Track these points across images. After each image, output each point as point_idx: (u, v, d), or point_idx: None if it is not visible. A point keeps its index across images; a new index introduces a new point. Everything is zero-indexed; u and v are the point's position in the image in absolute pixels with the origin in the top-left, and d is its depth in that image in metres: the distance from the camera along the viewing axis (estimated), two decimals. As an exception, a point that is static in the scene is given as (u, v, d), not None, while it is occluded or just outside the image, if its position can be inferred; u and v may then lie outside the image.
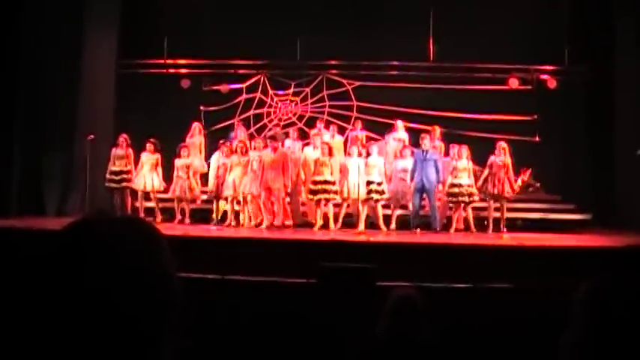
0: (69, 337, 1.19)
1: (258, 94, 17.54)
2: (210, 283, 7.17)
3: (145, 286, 1.24)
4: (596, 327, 2.16)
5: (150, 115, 14.71)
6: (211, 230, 11.99)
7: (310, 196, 12.76)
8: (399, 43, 15.98)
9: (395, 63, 16.61)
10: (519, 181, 14.98)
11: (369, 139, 14.52)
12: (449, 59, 16.03)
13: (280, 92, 17.58)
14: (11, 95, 13.95)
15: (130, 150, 13.79)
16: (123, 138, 13.83)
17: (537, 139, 15.58)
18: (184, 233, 10.71)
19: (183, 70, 17.46)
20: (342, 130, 15.28)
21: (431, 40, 16.31)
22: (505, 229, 12.44)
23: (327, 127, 15.08)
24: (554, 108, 15.70)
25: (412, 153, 12.86)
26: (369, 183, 12.49)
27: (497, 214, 12.78)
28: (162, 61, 17.24)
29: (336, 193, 12.57)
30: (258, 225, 12.61)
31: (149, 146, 13.80)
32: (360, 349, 4.10)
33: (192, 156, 13.85)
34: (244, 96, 17.49)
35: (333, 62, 17.16)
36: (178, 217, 13.53)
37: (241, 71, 17.47)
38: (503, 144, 13.06)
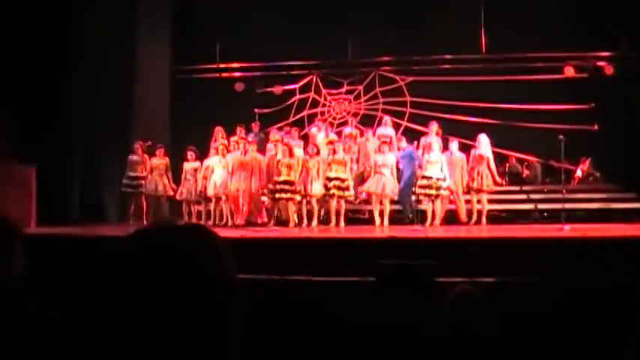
0: (135, 342, 1.22)
1: (312, 94, 17.60)
2: (267, 284, 7.19)
3: (209, 290, 1.26)
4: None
5: (204, 119, 14.82)
6: (267, 231, 12.02)
7: (271, 196, 13.06)
8: (450, 37, 15.83)
9: (447, 56, 16.50)
10: (579, 171, 14.72)
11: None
12: (502, 50, 15.84)
13: (333, 91, 17.59)
14: (69, 104, 14.24)
15: (146, 156, 14.03)
16: (138, 145, 14.09)
17: (596, 127, 15.26)
18: (242, 235, 10.77)
19: (237, 74, 17.62)
20: (397, 126, 15.12)
21: (483, 32, 16.14)
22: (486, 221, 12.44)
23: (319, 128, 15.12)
24: (611, 95, 15.33)
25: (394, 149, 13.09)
26: (329, 179, 12.57)
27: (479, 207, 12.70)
28: (215, 66, 17.41)
29: (294, 192, 12.73)
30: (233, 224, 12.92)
31: (159, 151, 13.98)
32: (421, 347, 4.06)
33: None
34: (297, 96, 17.56)
35: (384, 59, 17.11)
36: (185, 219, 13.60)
37: (294, 72, 17.55)
38: (481, 137, 12.92)
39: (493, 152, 14.86)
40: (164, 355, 1.22)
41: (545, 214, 13.32)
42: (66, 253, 8.88)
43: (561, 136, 12.13)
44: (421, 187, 12.51)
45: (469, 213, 12.78)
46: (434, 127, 13.50)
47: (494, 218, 13.51)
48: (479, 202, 12.74)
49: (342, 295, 6.78)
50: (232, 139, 13.58)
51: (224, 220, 13.31)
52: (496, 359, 3.73)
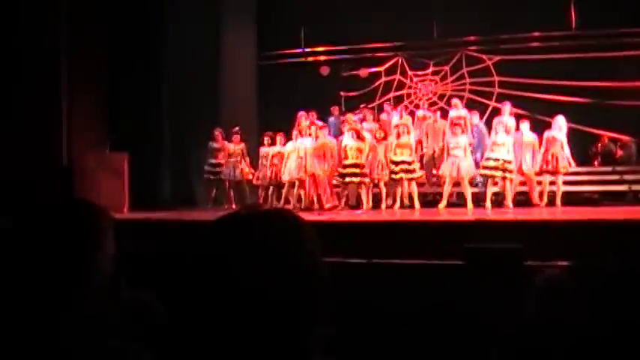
0: (227, 326, 1.26)
1: (397, 76, 17.52)
2: (355, 267, 7.23)
3: (295, 274, 1.29)
4: None
5: (291, 104, 14.92)
6: (356, 215, 12.06)
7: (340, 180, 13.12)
8: (538, 13, 15.49)
9: (536, 34, 16.12)
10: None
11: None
12: (592, 26, 15.36)
13: (419, 72, 17.45)
14: (159, 93, 14.57)
15: (226, 142, 14.18)
16: (218, 132, 14.24)
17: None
18: (330, 219, 10.83)
19: (322, 58, 17.66)
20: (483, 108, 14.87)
21: (572, 7, 15.69)
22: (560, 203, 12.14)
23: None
24: None
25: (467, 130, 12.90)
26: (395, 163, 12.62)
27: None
28: (300, 50, 17.50)
29: (364, 175, 12.73)
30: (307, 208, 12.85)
31: (235, 137, 14.11)
32: (509, 332, 4.02)
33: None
34: (383, 79, 17.51)
35: (471, 38, 16.85)
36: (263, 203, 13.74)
37: (379, 54, 17.48)
38: (558, 118, 12.60)
39: (585, 132, 14.52)
40: (255, 339, 1.25)
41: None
42: (157, 237, 9.13)
43: None
44: (486, 167, 12.30)
45: (541, 195, 12.47)
46: (507, 107, 13.27)
47: (587, 200, 13.18)
48: (552, 183, 12.43)
49: (429, 278, 6.75)
50: (303, 124, 13.61)
51: (295, 204, 13.39)
52: (586, 347, 3.66)
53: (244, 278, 1.25)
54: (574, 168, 13.11)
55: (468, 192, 12.40)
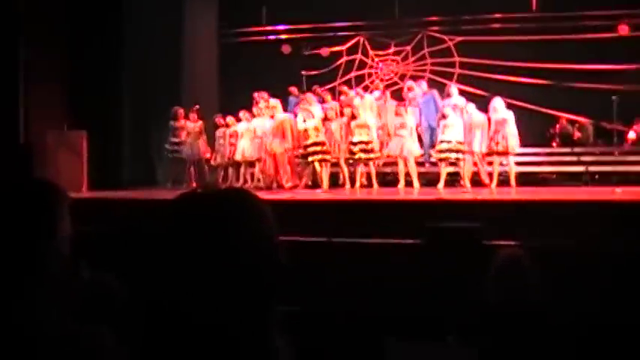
0: (184, 305, 1.25)
1: (359, 56, 17.51)
2: (316, 246, 7.23)
3: (252, 253, 1.28)
4: None
5: (252, 82, 14.82)
6: (316, 193, 12.07)
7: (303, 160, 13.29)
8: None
9: (497, 15, 16.20)
10: (632, 133, 14.43)
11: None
12: (553, 8, 15.49)
13: (380, 52, 17.46)
14: (118, 71, 14.39)
15: (186, 121, 14.15)
16: (179, 110, 14.25)
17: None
18: (291, 198, 10.83)
19: (283, 36, 17.58)
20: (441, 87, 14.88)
21: (534, -11, 15.81)
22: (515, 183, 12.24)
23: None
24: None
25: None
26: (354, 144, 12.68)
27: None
28: (261, 29, 17.39)
29: (325, 153, 12.84)
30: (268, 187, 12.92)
31: (192, 115, 14.08)
32: (469, 309, 4.06)
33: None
34: (345, 58, 17.47)
35: (433, 18, 16.88)
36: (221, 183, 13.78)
37: (341, 33, 17.44)
38: (496, 100, 12.54)
39: (544, 113, 14.68)
40: (215, 318, 1.25)
41: (597, 176, 13.08)
42: (117, 217, 9.04)
43: (614, 97, 11.89)
44: (440, 151, 12.41)
45: (490, 176, 12.57)
46: (454, 88, 13.40)
47: (544, 180, 13.34)
48: (501, 164, 12.55)
49: (389, 257, 6.79)
50: (260, 105, 13.58)
51: (255, 183, 13.44)
52: (546, 323, 3.71)
53: (202, 257, 1.25)
54: (532, 149, 13.27)
55: (414, 171, 12.53)
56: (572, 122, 15.49)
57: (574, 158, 13.92)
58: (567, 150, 14.46)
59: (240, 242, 1.28)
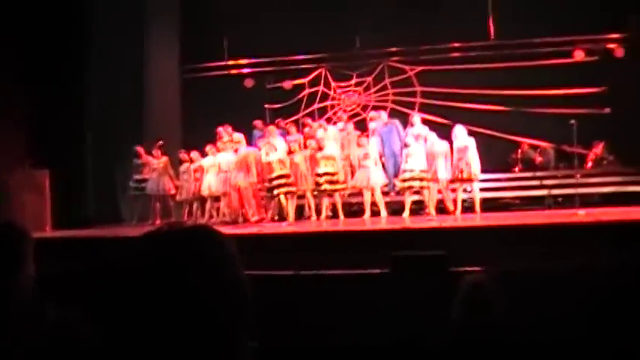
0: (151, 342, 1.25)
1: (321, 88, 17.58)
2: (284, 279, 7.22)
3: (218, 289, 1.29)
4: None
5: (216, 116, 14.81)
6: (282, 226, 12.06)
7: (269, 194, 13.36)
8: (458, 24, 15.77)
9: (456, 44, 16.42)
10: (591, 155, 14.67)
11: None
12: (510, 36, 15.75)
13: (342, 84, 17.57)
14: (81, 108, 14.32)
15: (149, 157, 14.15)
16: (139, 148, 14.29)
17: (608, 110, 15.18)
18: (257, 232, 10.81)
19: (246, 70, 17.63)
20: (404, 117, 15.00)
21: (490, 18, 16.06)
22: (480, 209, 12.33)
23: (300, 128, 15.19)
24: (623, 77, 15.20)
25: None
26: (319, 175, 12.76)
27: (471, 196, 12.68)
28: (224, 63, 17.43)
29: (291, 185, 12.91)
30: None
31: (156, 151, 14.06)
32: (437, 336, 4.07)
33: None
34: (307, 90, 17.56)
35: (393, 49, 17.05)
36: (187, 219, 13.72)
37: (303, 66, 17.53)
38: (458, 127, 12.70)
39: (506, 139, 14.88)
40: (179, 354, 1.24)
41: (560, 199, 13.25)
42: (82, 256, 8.94)
43: (573, 121, 12.08)
44: (404, 180, 12.51)
45: (454, 202, 12.66)
46: (417, 117, 13.54)
47: (508, 205, 13.49)
48: (465, 191, 12.67)
49: (357, 287, 6.79)
50: (223, 140, 13.60)
51: (221, 218, 13.40)
52: (511, 347, 3.73)
53: (168, 295, 1.25)
54: (495, 174, 13.41)
55: (381, 201, 12.61)
56: (533, 147, 15.70)
57: (536, 182, 14.09)
58: (530, 174, 14.64)
59: (205, 280, 1.28)
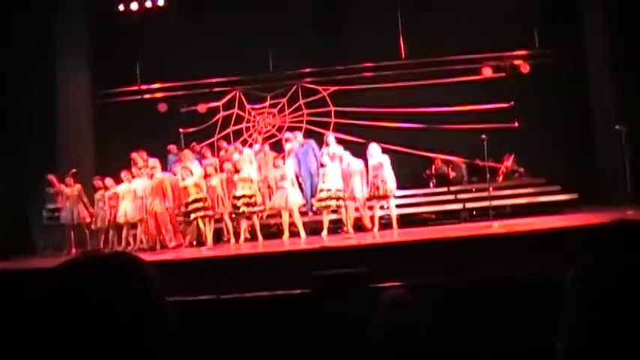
0: None
1: (236, 110, 17.54)
2: (204, 304, 7.12)
3: (139, 315, 1.28)
4: (588, 307, 2.15)
5: (130, 142, 14.58)
6: (201, 251, 11.94)
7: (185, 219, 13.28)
8: (370, 44, 16.04)
9: (368, 64, 16.65)
10: (502, 168, 15.04)
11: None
12: (421, 55, 16.09)
13: (257, 106, 17.57)
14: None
15: (62, 186, 13.88)
16: (51, 177, 14.00)
17: (517, 124, 15.63)
18: (176, 257, 10.66)
19: (159, 94, 17.46)
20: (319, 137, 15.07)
21: (401, 38, 16.37)
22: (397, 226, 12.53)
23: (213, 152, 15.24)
24: (530, 92, 15.71)
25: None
26: (237, 198, 12.80)
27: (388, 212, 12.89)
28: (136, 88, 17.23)
29: (207, 209, 12.86)
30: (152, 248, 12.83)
31: (68, 179, 13.83)
32: (358, 352, 4.08)
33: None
34: (222, 113, 17.49)
35: (306, 70, 17.17)
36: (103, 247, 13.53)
37: (216, 89, 17.46)
38: (372, 146, 12.91)
39: (419, 156, 15.13)
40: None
41: (474, 212, 13.53)
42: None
43: (483, 135, 12.37)
44: (321, 199, 12.60)
45: (372, 219, 12.80)
46: (331, 137, 13.67)
47: (424, 220, 13.69)
48: (382, 207, 12.84)
49: (278, 309, 6.76)
50: (138, 165, 13.46)
51: (139, 245, 13.19)
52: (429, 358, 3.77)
53: (89, 323, 1.23)
54: (411, 190, 13.62)
55: (299, 221, 12.65)
56: (446, 162, 16.01)
57: (451, 197, 14.36)
58: (444, 189, 14.91)
59: (126, 306, 1.27)
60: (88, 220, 13.84)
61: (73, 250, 13.40)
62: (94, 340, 1.22)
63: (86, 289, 1.27)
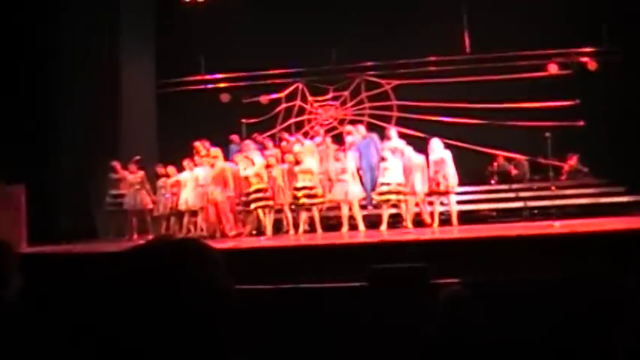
0: (134, 357, 1.24)
1: (298, 102, 17.61)
2: (263, 293, 7.20)
3: (210, 302, 1.30)
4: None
5: (192, 131, 14.77)
6: (261, 241, 12.04)
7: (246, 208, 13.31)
8: (434, 39, 15.90)
9: (432, 58, 16.55)
10: (566, 167, 14.80)
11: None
12: (485, 50, 15.91)
13: (319, 98, 17.61)
14: (56, 123, 14.25)
15: (126, 173, 14.09)
16: (115, 163, 14.19)
17: (582, 123, 15.34)
18: (235, 246, 10.78)
19: (222, 85, 17.62)
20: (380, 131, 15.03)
21: (466, 33, 16.21)
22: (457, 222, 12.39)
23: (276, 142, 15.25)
24: (596, 90, 15.39)
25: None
26: (297, 189, 12.80)
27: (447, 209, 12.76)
28: (200, 78, 17.43)
29: (268, 199, 12.90)
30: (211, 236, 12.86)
31: (131, 166, 14.04)
32: (414, 349, 4.08)
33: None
34: (284, 105, 17.58)
35: (369, 63, 17.14)
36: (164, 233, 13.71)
37: (279, 81, 17.56)
38: (434, 141, 12.80)
39: (481, 152, 14.97)
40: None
41: (535, 211, 13.35)
42: (59, 271, 8.87)
43: (548, 134, 12.19)
44: (381, 193, 12.55)
45: (432, 215, 12.72)
46: (393, 131, 13.60)
47: (485, 218, 13.56)
48: (442, 203, 12.75)
49: (336, 300, 6.79)
50: (200, 154, 13.62)
51: (199, 232, 13.34)
52: (488, 357, 3.75)
53: (160, 307, 1.26)
54: (472, 187, 13.49)
55: (358, 215, 12.63)
56: (508, 160, 15.83)
57: (512, 195, 14.18)
58: (505, 187, 14.74)
59: (195, 292, 1.29)
60: (150, 206, 14.05)
61: (135, 236, 13.63)
62: (163, 322, 1.25)
63: (159, 272, 1.29)
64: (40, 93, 13.70)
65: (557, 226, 10.40)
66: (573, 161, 14.96)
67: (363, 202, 13.33)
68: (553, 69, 16.02)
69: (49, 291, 6.18)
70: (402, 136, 13.94)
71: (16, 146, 13.22)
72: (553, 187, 12.56)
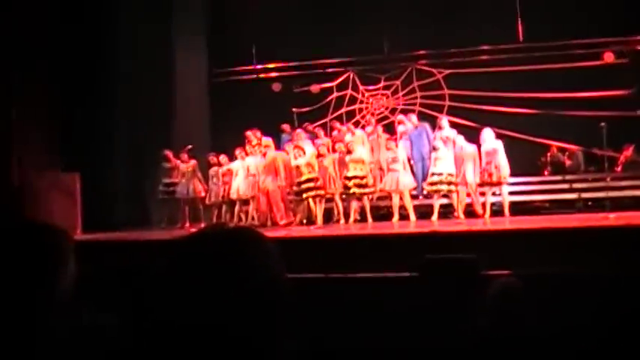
0: (189, 345, 1.26)
1: (349, 91, 17.61)
2: (312, 282, 7.23)
3: (259, 291, 1.31)
4: None
5: (244, 120, 14.88)
6: (311, 230, 12.09)
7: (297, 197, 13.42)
8: (486, 27, 15.72)
9: (484, 47, 16.37)
10: (621, 158, 14.53)
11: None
12: (539, 38, 15.67)
13: (370, 87, 17.58)
14: (110, 112, 14.47)
15: (178, 162, 14.22)
16: (168, 152, 14.33)
17: (638, 113, 15.02)
18: (286, 235, 10.84)
19: (273, 74, 17.70)
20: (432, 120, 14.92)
21: (519, 20, 15.98)
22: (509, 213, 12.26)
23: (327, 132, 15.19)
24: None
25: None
26: (348, 179, 12.75)
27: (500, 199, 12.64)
28: (252, 67, 17.52)
29: (319, 188, 12.92)
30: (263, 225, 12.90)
31: (183, 155, 14.13)
32: (465, 340, 4.07)
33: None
34: (335, 94, 17.59)
35: (421, 52, 17.04)
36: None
37: (330, 70, 17.56)
38: (486, 131, 12.71)
39: (535, 142, 14.77)
40: (219, 353, 1.26)
41: (590, 203, 13.15)
42: (114, 258, 9.02)
43: (603, 124, 11.98)
44: (432, 183, 12.48)
45: (484, 206, 12.61)
46: (445, 121, 13.50)
47: (537, 209, 13.40)
48: (494, 194, 12.62)
49: (387, 290, 6.79)
50: (252, 143, 13.70)
51: (250, 221, 13.45)
52: (541, 351, 3.73)
53: (214, 296, 1.27)
54: (524, 178, 13.34)
55: (409, 205, 12.59)
56: (562, 150, 15.60)
57: (566, 186, 13.98)
58: (559, 178, 14.53)
59: (250, 280, 1.30)
60: (202, 195, 14.20)
61: (187, 224, 13.80)
62: (220, 310, 1.26)
63: (215, 260, 1.30)
64: (96, 83, 13.92)
65: (613, 218, 10.24)
66: (629, 152, 14.67)
67: (414, 192, 13.29)
68: (609, 57, 15.70)
69: (104, 278, 6.29)
70: (453, 125, 13.84)
71: (71, 135, 13.47)
72: (608, 179, 12.34)
